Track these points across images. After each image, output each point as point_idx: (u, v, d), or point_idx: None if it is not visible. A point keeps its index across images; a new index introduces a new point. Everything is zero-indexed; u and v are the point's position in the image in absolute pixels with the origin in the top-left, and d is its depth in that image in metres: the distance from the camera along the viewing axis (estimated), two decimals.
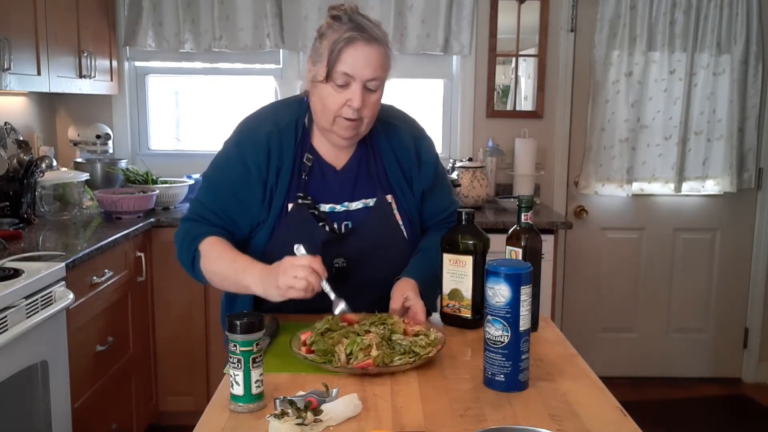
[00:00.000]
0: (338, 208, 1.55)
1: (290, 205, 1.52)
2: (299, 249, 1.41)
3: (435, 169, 1.65)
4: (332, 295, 1.38)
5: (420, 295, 1.49)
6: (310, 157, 1.55)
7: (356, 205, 1.56)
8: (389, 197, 1.58)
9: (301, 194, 1.52)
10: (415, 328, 1.36)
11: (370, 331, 1.31)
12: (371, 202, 1.56)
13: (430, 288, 1.52)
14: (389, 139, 1.60)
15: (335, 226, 1.54)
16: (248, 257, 1.46)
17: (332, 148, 1.56)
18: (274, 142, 1.52)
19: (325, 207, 1.54)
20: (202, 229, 1.53)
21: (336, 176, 1.56)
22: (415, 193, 1.61)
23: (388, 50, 1.47)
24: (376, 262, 1.55)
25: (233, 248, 1.49)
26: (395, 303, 1.46)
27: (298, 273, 1.31)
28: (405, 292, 1.47)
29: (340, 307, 1.39)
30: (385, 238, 1.56)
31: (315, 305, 1.45)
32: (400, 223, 1.58)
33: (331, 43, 1.43)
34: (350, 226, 1.55)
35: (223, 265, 1.47)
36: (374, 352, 1.24)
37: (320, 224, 1.52)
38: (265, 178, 1.51)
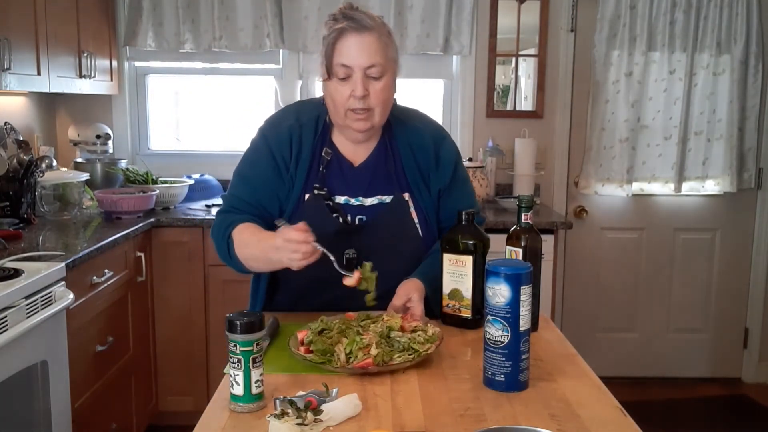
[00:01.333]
0: (353, 201, 1.58)
1: (307, 196, 1.56)
2: (280, 221, 1.46)
3: (454, 170, 1.66)
4: (332, 257, 1.40)
5: (427, 298, 1.50)
6: (329, 151, 1.59)
7: (372, 200, 1.58)
8: (406, 195, 1.60)
9: (317, 185, 1.56)
10: (412, 324, 1.37)
11: (368, 330, 1.31)
12: (387, 198, 1.59)
13: (439, 292, 1.53)
14: (409, 138, 1.63)
15: (348, 218, 1.56)
16: (273, 234, 1.48)
17: (351, 144, 1.60)
18: (295, 134, 1.58)
19: (340, 199, 1.58)
20: (235, 218, 1.57)
21: (353, 171, 1.59)
22: (431, 192, 1.63)
23: (385, 37, 1.50)
24: (386, 257, 1.55)
25: (261, 229, 1.52)
26: (398, 300, 1.47)
27: (290, 252, 1.36)
28: (410, 293, 1.48)
29: (335, 266, 1.41)
30: (399, 235, 1.58)
31: (324, 303, 1.49)
32: (416, 221, 1.60)
33: (325, 40, 1.48)
34: (364, 220, 1.57)
35: (253, 247, 1.50)
36: (374, 351, 1.24)
37: (334, 215, 1.55)
38: (288, 168, 1.57)
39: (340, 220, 1.55)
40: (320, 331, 1.33)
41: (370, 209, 1.57)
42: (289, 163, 1.57)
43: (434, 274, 1.53)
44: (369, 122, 1.52)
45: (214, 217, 1.65)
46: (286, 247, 1.36)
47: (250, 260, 1.53)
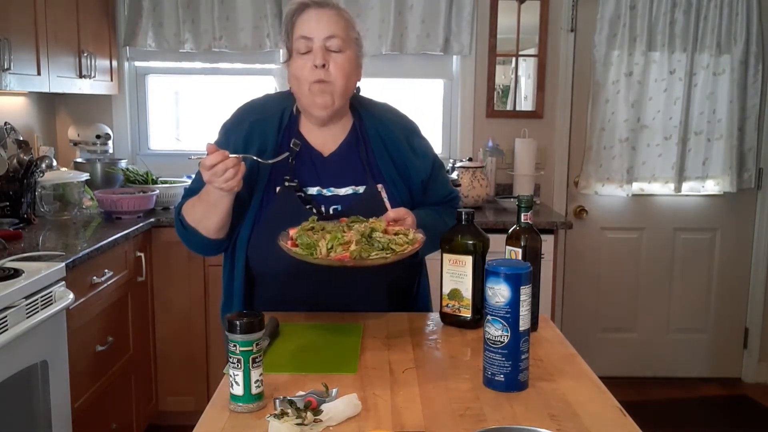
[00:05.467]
0: (325, 192, 1.57)
1: (278, 189, 1.54)
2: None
3: (433, 161, 1.68)
4: (254, 157, 1.46)
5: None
6: (298, 142, 1.58)
7: (345, 191, 1.57)
8: (379, 186, 1.59)
9: (288, 177, 1.54)
10: (395, 228, 1.41)
11: (351, 228, 1.37)
12: (361, 189, 1.58)
13: (427, 235, 1.51)
14: (379, 130, 1.62)
15: (322, 209, 1.55)
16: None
17: (320, 134, 1.59)
18: (257, 127, 1.57)
19: (312, 190, 1.56)
20: (185, 201, 1.59)
21: (323, 162, 1.58)
22: (413, 183, 1.62)
23: (347, 16, 1.54)
24: None
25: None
26: (393, 213, 1.46)
27: (220, 177, 1.36)
28: (407, 215, 1.47)
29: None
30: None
31: (310, 301, 1.47)
32: None
33: (286, 18, 1.51)
34: (339, 209, 1.56)
35: (197, 206, 1.51)
36: (353, 247, 1.30)
37: (307, 207, 1.54)
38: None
39: (314, 211, 1.53)
40: (310, 229, 1.39)
41: (344, 199, 1.56)
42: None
43: (428, 217, 1.55)
44: (328, 96, 1.51)
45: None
46: (213, 174, 1.35)
47: (201, 221, 1.51)
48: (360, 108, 1.63)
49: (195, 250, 1.63)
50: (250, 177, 1.54)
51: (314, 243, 1.33)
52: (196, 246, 1.59)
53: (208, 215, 1.50)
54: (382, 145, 1.61)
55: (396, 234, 1.39)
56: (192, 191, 1.59)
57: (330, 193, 1.56)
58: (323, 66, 1.48)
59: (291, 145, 1.57)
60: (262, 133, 1.57)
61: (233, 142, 1.56)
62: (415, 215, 1.50)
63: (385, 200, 1.59)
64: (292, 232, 1.39)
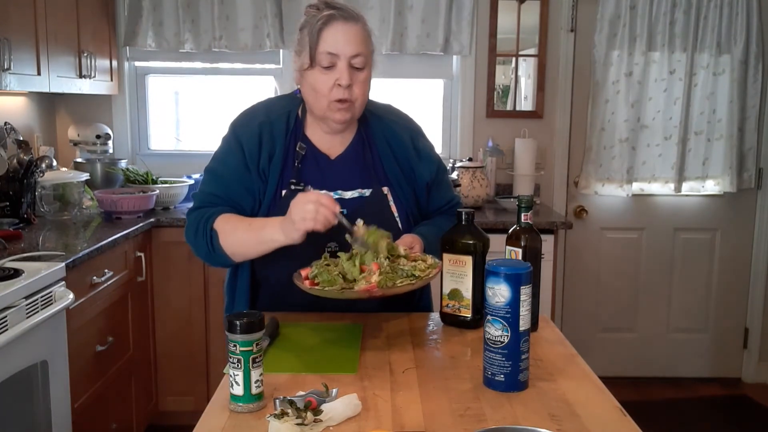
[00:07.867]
0: (331, 195, 1.56)
1: (284, 192, 1.55)
2: (308, 187, 1.47)
3: (438, 164, 1.69)
4: (345, 223, 1.40)
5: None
6: (303, 146, 1.58)
7: (351, 194, 1.58)
8: (385, 189, 1.60)
9: (294, 180, 1.55)
10: (414, 255, 1.44)
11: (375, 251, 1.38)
12: (367, 192, 1.58)
13: (435, 253, 1.53)
14: (385, 133, 1.63)
15: None
16: (265, 218, 1.50)
17: (326, 137, 1.59)
18: (265, 131, 1.56)
19: None
20: (212, 210, 1.55)
21: (330, 165, 1.59)
22: (418, 185, 1.63)
23: (367, 28, 1.53)
24: None
25: (244, 217, 1.52)
26: (402, 244, 1.47)
27: (308, 206, 1.35)
28: (414, 244, 1.49)
29: (359, 222, 1.42)
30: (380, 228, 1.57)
31: (314, 302, 1.47)
32: (396, 215, 1.59)
33: (310, 27, 1.48)
34: (345, 213, 1.56)
35: (241, 232, 1.49)
36: (375, 278, 1.30)
37: None
38: (257, 164, 1.55)
39: None
40: (326, 266, 1.38)
41: (349, 202, 1.56)
42: (257, 159, 1.55)
43: (432, 234, 1.55)
44: (350, 113, 1.51)
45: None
46: (303, 204, 1.35)
47: (239, 248, 1.50)
48: (365, 110, 1.62)
49: (205, 261, 1.60)
50: (257, 182, 1.55)
51: (335, 279, 1.32)
52: (211, 261, 1.57)
53: (245, 248, 1.50)
54: (387, 147, 1.61)
55: (415, 260, 1.41)
56: (205, 194, 1.58)
57: (336, 196, 1.56)
58: (349, 86, 1.48)
59: (297, 149, 1.57)
60: (270, 136, 1.56)
61: (246, 141, 1.55)
62: (420, 237, 1.51)
63: (391, 204, 1.59)
64: (304, 272, 1.38)
